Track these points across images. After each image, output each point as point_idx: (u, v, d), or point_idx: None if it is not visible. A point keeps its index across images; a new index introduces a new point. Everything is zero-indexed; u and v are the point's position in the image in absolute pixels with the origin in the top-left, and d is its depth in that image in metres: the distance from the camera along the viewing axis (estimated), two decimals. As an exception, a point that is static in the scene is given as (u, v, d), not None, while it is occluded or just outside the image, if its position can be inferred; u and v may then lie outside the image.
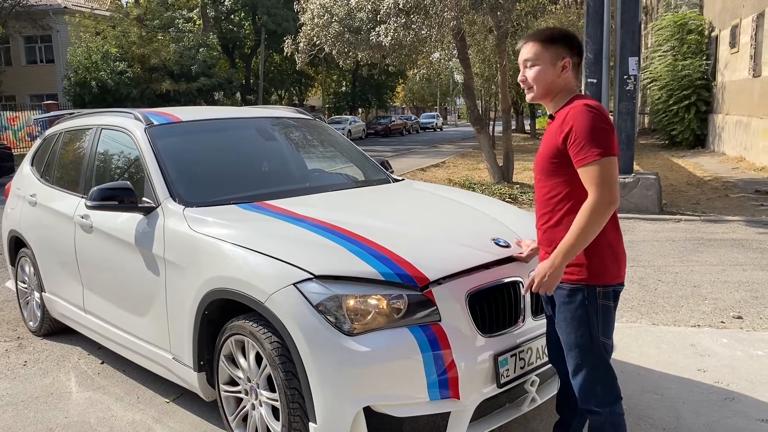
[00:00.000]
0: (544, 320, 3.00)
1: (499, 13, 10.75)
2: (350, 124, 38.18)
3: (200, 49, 31.64)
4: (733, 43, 18.39)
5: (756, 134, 15.79)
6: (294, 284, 2.68)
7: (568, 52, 2.49)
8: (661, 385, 3.72)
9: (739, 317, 4.84)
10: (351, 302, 2.64)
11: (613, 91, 10.68)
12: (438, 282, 2.71)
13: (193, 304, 3.10)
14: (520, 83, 2.62)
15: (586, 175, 2.36)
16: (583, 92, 2.62)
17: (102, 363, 4.34)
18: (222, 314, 3.07)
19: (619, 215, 8.76)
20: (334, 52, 12.51)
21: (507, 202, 10.66)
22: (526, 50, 2.55)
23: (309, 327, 2.62)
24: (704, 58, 20.64)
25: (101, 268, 3.88)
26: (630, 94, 9.25)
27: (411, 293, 2.67)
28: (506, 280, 2.89)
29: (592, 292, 2.48)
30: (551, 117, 2.56)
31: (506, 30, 12.09)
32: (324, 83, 50.25)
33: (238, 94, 40.38)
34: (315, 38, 11.98)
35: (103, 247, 3.79)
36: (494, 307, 2.83)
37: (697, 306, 5.14)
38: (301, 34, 12.48)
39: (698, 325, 4.71)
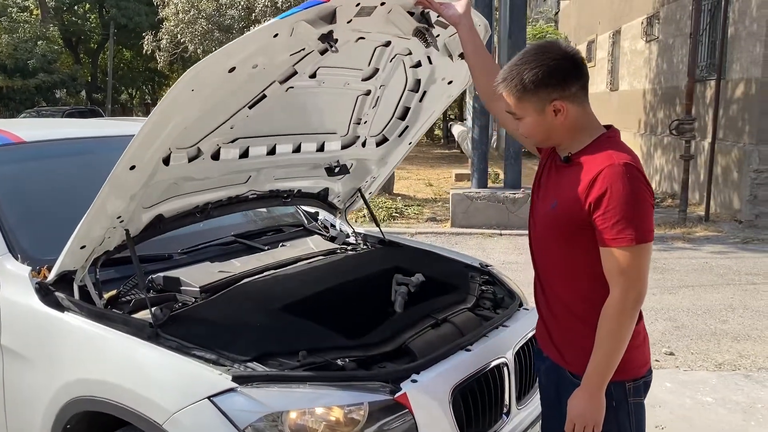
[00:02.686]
0: (531, 408, 2.39)
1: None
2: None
3: (39, 42, 28.46)
4: (590, 57, 19.30)
5: (615, 145, 16.56)
6: (209, 398, 1.83)
7: (557, 91, 1.80)
8: (625, 452, 3.25)
9: (671, 353, 4.55)
10: (293, 416, 1.85)
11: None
12: (412, 378, 1.99)
13: (47, 413, 2.14)
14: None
15: (611, 260, 1.77)
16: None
17: None
18: (93, 429, 2.14)
19: (511, 233, 8.29)
20: (199, 52, 11.33)
21: (394, 217, 10.13)
22: (505, 98, 1.89)
23: (234, 460, 1.80)
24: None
25: None
26: (518, 107, 9.03)
27: (375, 398, 1.92)
28: (494, 364, 2.24)
29: (620, 389, 1.88)
30: (566, 159, 1.92)
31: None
32: (180, 83, 47.42)
33: (83, 93, 37.04)
34: (179, 35, 10.74)
35: None
36: (479, 401, 2.16)
37: (625, 341, 4.82)
38: (163, 31, 11.18)
39: (634, 366, 4.36)
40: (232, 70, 1.91)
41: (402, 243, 3.35)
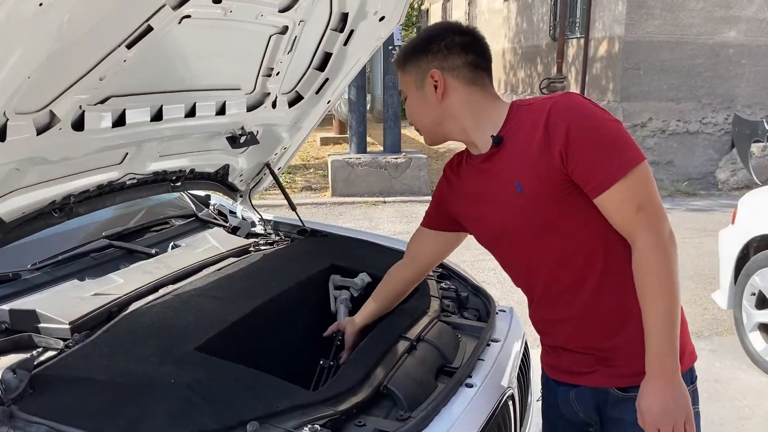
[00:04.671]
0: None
1: None
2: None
3: None
4: (446, 17, 19.28)
5: (475, 105, 16.72)
6: None
7: (436, 60, 1.53)
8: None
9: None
10: None
11: (370, 66, 9.98)
12: (416, 444, 1.39)
13: None
14: None
15: (616, 204, 1.39)
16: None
17: None
18: None
19: (395, 200, 7.87)
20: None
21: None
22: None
23: None
24: (416, 30, 21.39)
25: None
26: (395, 66, 8.53)
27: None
28: (508, 394, 1.71)
29: (689, 380, 1.49)
30: (498, 140, 1.50)
31: None
32: None
33: None
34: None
35: None
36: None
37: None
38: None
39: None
40: None
41: (326, 231, 2.70)
